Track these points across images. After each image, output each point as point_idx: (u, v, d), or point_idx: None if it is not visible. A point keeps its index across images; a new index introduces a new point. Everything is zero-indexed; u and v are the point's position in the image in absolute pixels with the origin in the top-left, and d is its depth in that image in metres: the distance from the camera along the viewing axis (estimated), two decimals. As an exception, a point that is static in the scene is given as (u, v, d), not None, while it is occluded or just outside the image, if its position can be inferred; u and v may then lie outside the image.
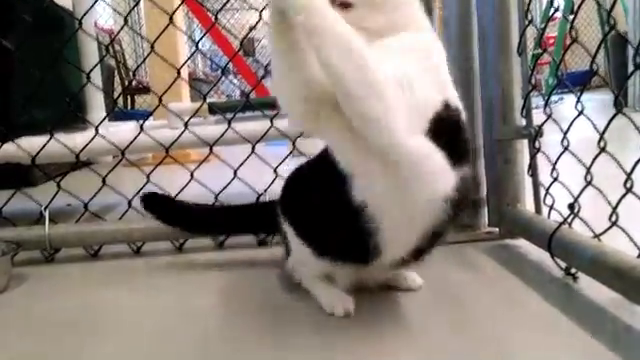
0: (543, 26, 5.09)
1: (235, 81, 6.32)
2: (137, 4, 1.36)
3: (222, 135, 1.37)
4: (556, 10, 1.07)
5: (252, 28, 7.76)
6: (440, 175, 0.72)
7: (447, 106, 0.74)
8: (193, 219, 1.23)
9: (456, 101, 0.78)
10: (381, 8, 0.73)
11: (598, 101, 3.57)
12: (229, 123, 1.37)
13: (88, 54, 1.71)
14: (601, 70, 0.89)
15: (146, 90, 4.54)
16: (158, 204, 1.23)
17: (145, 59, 1.60)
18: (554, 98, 5.62)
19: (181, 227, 1.23)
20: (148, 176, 1.36)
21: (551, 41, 5.60)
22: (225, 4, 1.55)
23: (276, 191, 1.03)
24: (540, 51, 4.35)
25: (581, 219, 0.94)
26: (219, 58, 7.18)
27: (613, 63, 4.95)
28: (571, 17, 5.96)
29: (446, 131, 0.72)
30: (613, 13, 0.83)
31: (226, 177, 1.39)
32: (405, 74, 0.69)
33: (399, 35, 0.74)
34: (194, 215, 1.23)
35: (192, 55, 4.73)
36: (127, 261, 1.29)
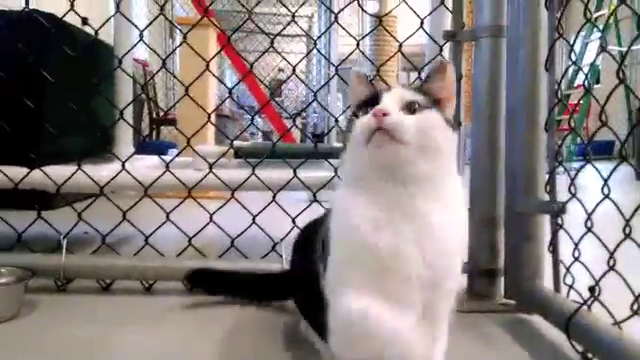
0: (567, 93, 5.08)
1: (259, 120, 6.43)
2: (174, 51, 1.40)
3: (245, 181, 1.39)
4: (587, 90, 1.08)
5: (281, 70, 7.95)
6: None
7: None
8: (237, 289, 1.22)
9: None
10: (430, 153, 0.69)
11: (621, 172, 3.55)
12: (253, 170, 1.39)
13: (123, 87, 1.75)
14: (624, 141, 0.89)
15: (172, 123, 4.63)
16: (202, 279, 1.22)
17: (177, 102, 1.63)
18: (575, 165, 5.60)
19: (227, 295, 1.23)
20: (168, 215, 1.38)
21: (575, 108, 5.63)
22: (262, 54, 1.58)
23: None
24: (562, 118, 4.37)
25: (601, 303, 0.92)
26: (246, 97, 7.33)
27: (638, 136, 4.94)
28: (596, 86, 6.02)
29: None
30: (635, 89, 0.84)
31: (243, 217, 1.40)
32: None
33: (445, 203, 0.71)
34: (237, 285, 1.22)
35: (224, 101, 4.83)
36: (138, 298, 1.29)
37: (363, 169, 0.72)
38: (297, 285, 0.98)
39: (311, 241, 0.84)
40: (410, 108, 0.69)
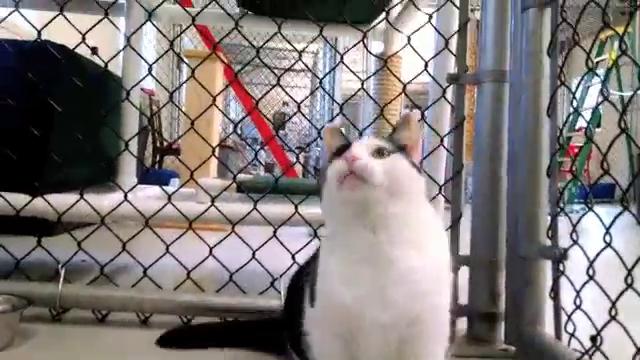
0: (569, 136, 5.10)
1: (262, 152, 6.47)
2: (182, 85, 1.42)
3: (246, 216, 1.39)
4: (589, 139, 1.09)
5: (285, 103, 8.05)
6: None
7: None
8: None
9: None
10: (398, 195, 0.73)
11: (622, 217, 3.54)
12: (255, 205, 1.39)
13: (129, 118, 1.77)
14: (623, 183, 0.89)
15: (175, 152, 4.65)
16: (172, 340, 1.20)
17: (182, 136, 1.65)
18: (576, 207, 5.60)
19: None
20: (167, 248, 1.37)
21: (576, 150, 5.67)
22: (269, 91, 1.61)
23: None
24: (562, 160, 4.40)
25: (603, 354, 0.91)
26: (249, 128, 7.39)
27: (639, 181, 4.96)
28: (597, 130, 6.07)
29: None
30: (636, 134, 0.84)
31: (242, 250, 1.39)
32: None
33: (417, 245, 0.74)
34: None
35: (229, 135, 4.89)
36: (133, 331, 1.28)
37: (337, 213, 0.77)
38: (288, 324, 0.98)
39: (301, 283, 0.87)
40: (379, 153, 0.75)
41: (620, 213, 0.86)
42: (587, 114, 5.13)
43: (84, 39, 1.35)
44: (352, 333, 0.73)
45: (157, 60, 1.45)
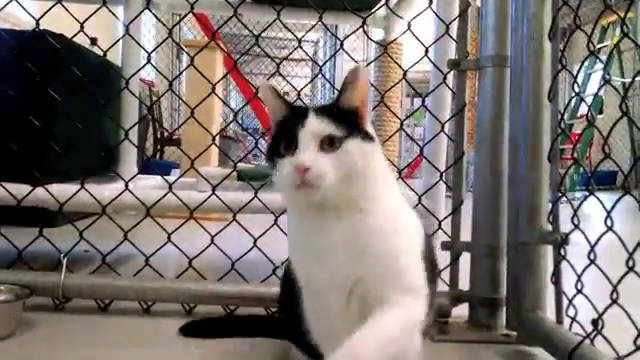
0: (570, 123, 5.08)
1: (262, 142, 6.45)
2: (181, 73, 1.42)
3: (247, 204, 1.39)
4: (590, 123, 1.08)
5: (286, 93, 8.02)
6: None
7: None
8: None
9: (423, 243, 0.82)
10: (354, 180, 0.73)
11: (624, 203, 3.53)
12: (255, 193, 1.39)
13: (129, 108, 1.77)
14: (625, 168, 0.89)
15: (176, 143, 4.65)
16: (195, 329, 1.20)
17: (182, 124, 1.64)
18: (578, 195, 5.59)
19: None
20: (169, 236, 1.37)
21: (578, 138, 5.65)
22: (269, 78, 1.60)
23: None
24: (566, 147, 4.39)
25: (604, 337, 0.91)
26: (250, 119, 7.38)
27: (640, 166, 4.95)
28: (599, 116, 6.05)
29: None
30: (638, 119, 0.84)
31: (244, 238, 1.39)
32: (417, 275, 0.77)
33: (377, 213, 0.75)
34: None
35: (229, 124, 4.88)
36: (135, 319, 1.28)
37: (291, 204, 0.80)
38: (283, 309, 1.00)
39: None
40: (330, 143, 0.72)
41: (622, 196, 0.86)
42: (589, 100, 5.10)
43: (82, 28, 1.34)
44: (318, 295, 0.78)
45: (156, 48, 1.44)
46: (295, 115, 0.76)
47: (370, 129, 0.78)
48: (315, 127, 0.73)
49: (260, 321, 1.24)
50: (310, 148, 0.71)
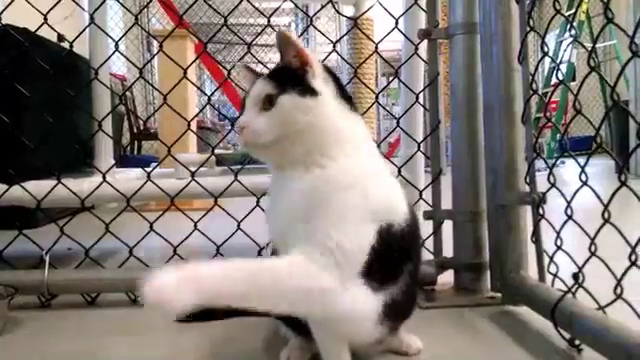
0: (545, 91, 5.13)
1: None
2: (152, 59, 1.40)
3: (227, 187, 1.39)
4: (561, 82, 1.10)
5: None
6: (366, 322, 0.75)
7: (384, 230, 0.74)
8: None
9: (396, 210, 0.78)
10: (298, 134, 0.75)
11: (599, 166, 3.61)
12: (235, 176, 1.39)
13: (101, 101, 1.74)
14: (602, 136, 0.90)
15: (153, 136, 4.60)
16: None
17: (156, 111, 1.62)
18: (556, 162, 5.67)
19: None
20: (151, 225, 1.37)
21: (553, 106, 5.72)
22: (240, 59, 1.59)
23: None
24: (541, 116, 4.42)
25: (585, 290, 0.93)
26: (227, 108, 7.32)
27: (615, 130, 5.03)
28: (572, 84, 6.12)
29: (382, 255, 0.73)
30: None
31: (229, 225, 1.39)
32: (332, 239, 0.70)
33: (328, 172, 0.74)
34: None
35: (203, 108, 4.83)
36: (124, 311, 1.28)
37: None
38: None
39: None
40: (269, 101, 0.75)
41: (595, 149, 0.87)
42: (561, 67, 5.15)
43: (46, 20, 1.31)
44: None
45: (123, 36, 1.41)
46: (253, 82, 0.81)
47: (317, 84, 0.77)
48: (256, 89, 0.77)
49: None
50: (251, 109, 0.76)
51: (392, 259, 0.77)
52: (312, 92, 0.76)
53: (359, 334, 0.78)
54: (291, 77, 0.76)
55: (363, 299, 0.73)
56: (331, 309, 0.70)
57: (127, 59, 1.79)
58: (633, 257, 0.78)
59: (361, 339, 0.80)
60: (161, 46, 1.37)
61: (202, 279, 0.64)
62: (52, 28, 1.34)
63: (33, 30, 1.44)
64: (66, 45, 1.44)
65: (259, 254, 1.37)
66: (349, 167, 0.75)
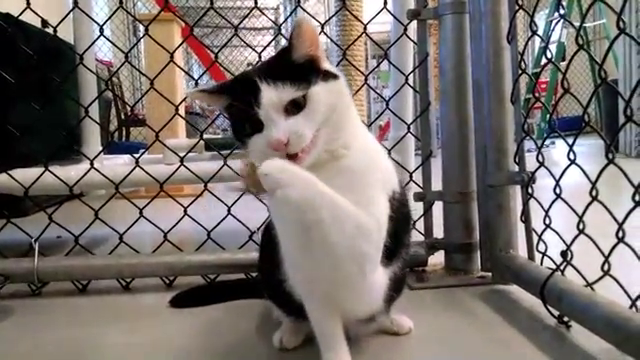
0: (535, 71, 5.14)
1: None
2: (138, 42, 1.38)
3: (217, 172, 1.38)
4: (549, 60, 1.09)
5: (250, 65, 7.90)
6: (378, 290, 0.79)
7: (390, 198, 0.77)
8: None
9: (395, 187, 0.80)
10: (327, 128, 0.71)
11: (590, 146, 3.62)
12: (225, 161, 1.38)
13: (87, 87, 1.72)
14: (592, 116, 0.90)
15: (141, 122, 4.56)
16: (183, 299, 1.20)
17: (143, 95, 1.61)
18: (546, 142, 5.70)
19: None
20: (141, 211, 1.36)
21: (543, 86, 5.72)
22: (225, 43, 1.57)
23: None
24: (531, 96, 4.43)
25: (574, 267, 0.94)
26: (216, 93, 7.24)
27: (604, 109, 5.05)
28: (562, 64, 6.13)
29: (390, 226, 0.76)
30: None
31: (219, 211, 1.38)
32: (379, 209, 0.73)
33: (352, 155, 0.74)
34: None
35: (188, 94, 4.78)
36: (115, 297, 1.28)
37: None
38: (263, 269, 1.00)
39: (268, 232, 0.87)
40: (293, 106, 0.68)
41: (583, 128, 0.87)
42: (551, 47, 5.15)
43: (29, 4, 1.29)
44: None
45: (108, 19, 1.39)
46: (244, 92, 0.70)
47: (329, 66, 0.75)
48: (274, 98, 0.68)
49: (245, 283, 1.25)
50: (277, 121, 0.68)
51: (395, 231, 0.78)
52: (333, 76, 0.73)
53: (367, 305, 0.80)
54: (305, 68, 0.72)
55: (380, 271, 0.77)
56: (364, 273, 0.73)
57: (113, 44, 1.76)
58: (620, 234, 0.79)
59: (363, 312, 0.81)
60: (147, 30, 1.35)
61: (314, 181, 0.66)
62: (35, 13, 1.32)
63: (16, 15, 1.41)
64: (50, 31, 1.42)
65: (250, 238, 1.36)
66: (366, 144, 0.78)
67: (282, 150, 0.67)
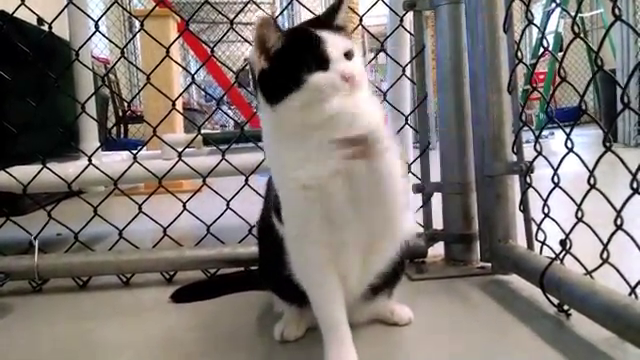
0: (533, 62, 5.12)
1: (229, 112, 6.37)
2: (133, 37, 1.37)
3: (215, 167, 1.38)
4: (545, 49, 1.09)
5: (247, 59, 7.88)
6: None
7: None
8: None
9: None
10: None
11: (588, 136, 3.62)
12: (223, 155, 1.38)
13: (84, 84, 1.72)
14: (590, 106, 0.90)
15: (139, 119, 4.55)
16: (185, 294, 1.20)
17: (140, 91, 1.60)
18: (544, 133, 5.71)
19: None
20: (140, 207, 1.36)
21: (541, 77, 5.72)
22: (221, 38, 1.56)
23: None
24: (529, 87, 4.43)
25: (573, 255, 0.94)
26: (213, 89, 7.25)
27: (602, 99, 5.05)
28: (560, 54, 6.12)
29: None
30: (601, 51, 0.85)
31: (218, 206, 1.38)
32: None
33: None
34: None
35: (187, 87, 4.78)
36: (116, 292, 1.28)
37: (303, 120, 0.74)
38: (260, 259, 1.02)
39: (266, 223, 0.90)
40: (348, 56, 0.76)
41: (580, 116, 0.87)
42: (549, 38, 5.14)
43: (23, 1, 1.28)
44: (326, 211, 0.76)
45: (102, 15, 1.38)
46: (301, 37, 0.77)
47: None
48: (339, 43, 0.76)
49: (245, 276, 1.25)
50: (343, 59, 0.75)
51: None
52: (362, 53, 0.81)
53: (394, 249, 0.85)
54: (343, 31, 0.80)
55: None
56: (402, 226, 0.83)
57: (108, 39, 1.75)
58: (619, 221, 0.79)
59: (385, 261, 0.86)
60: (142, 25, 1.34)
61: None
62: (30, 9, 1.31)
63: (10, 12, 1.41)
64: (46, 28, 1.41)
65: (250, 232, 1.36)
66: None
67: (352, 81, 0.73)
